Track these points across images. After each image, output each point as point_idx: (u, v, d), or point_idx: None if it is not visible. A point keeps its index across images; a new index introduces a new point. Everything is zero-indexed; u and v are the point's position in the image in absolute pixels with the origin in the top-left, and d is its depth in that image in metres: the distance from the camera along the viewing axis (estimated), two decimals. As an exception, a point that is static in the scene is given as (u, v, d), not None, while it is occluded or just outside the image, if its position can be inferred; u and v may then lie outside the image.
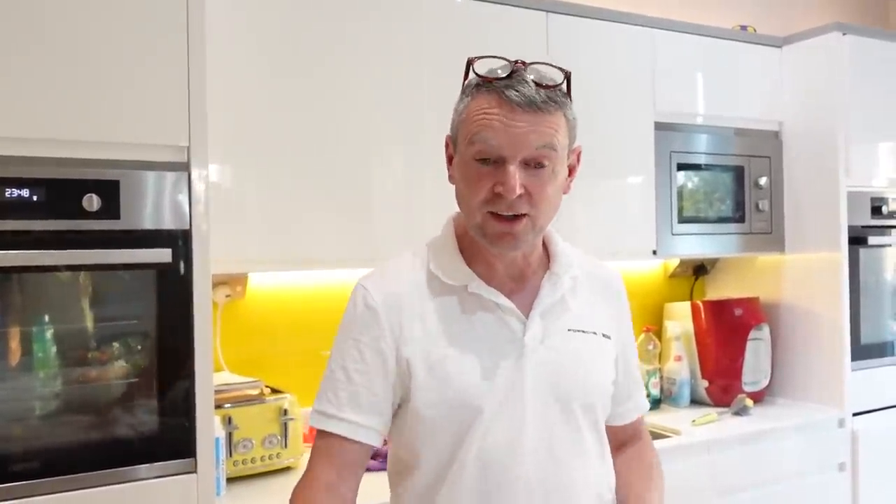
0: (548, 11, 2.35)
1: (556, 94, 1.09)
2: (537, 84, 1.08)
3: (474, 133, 1.09)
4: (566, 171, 1.16)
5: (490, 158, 1.08)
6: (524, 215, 1.09)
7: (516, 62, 1.10)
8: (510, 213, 1.09)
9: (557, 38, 2.36)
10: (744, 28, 2.88)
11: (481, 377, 1.11)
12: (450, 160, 1.19)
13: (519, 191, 1.07)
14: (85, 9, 1.55)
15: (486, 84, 1.10)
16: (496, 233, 1.10)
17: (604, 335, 1.22)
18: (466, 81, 1.14)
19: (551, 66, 1.12)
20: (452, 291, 1.16)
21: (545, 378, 1.14)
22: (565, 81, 1.11)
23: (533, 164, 1.08)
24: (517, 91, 1.06)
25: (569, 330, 1.18)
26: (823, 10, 3.45)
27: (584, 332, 1.20)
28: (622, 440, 1.32)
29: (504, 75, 1.09)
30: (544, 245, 1.24)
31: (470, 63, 1.13)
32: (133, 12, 1.59)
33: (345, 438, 1.13)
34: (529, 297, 1.18)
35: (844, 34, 2.65)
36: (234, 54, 1.91)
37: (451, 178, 1.18)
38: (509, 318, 1.15)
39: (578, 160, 1.20)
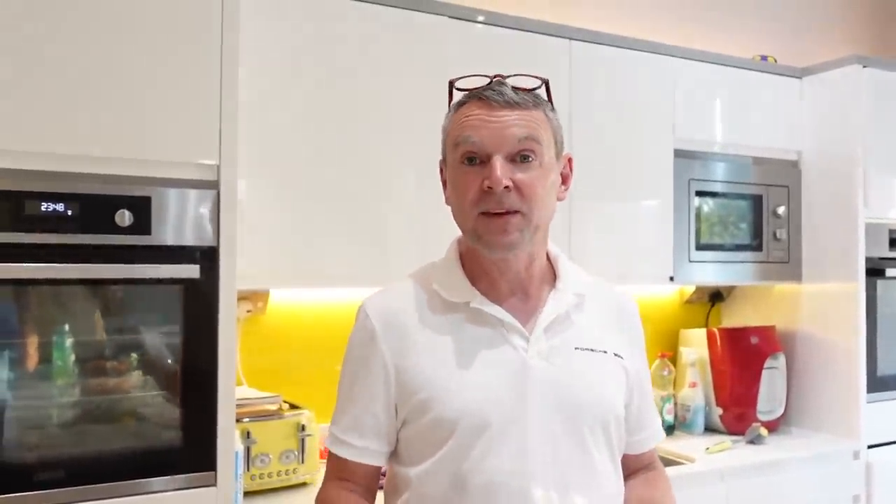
0: (571, 39, 2.39)
1: (533, 96, 1.13)
2: (515, 88, 1.12)
3: (457, 136, 1.12)
4: (558, 176, 1.17)
5: (476, 157, 1.10)
6: (516, 212, 1.09)
7: (495, 76, 1.14)
8: (501, 210, 1.08)
9: (580, 66, 2.40)
10: (764, 58, 2.91)
11: (484, 394, 1.10)
12: (445, 184, 1.20)
13: (506, 182, 1.07)
14: (120, 29, 1.60)
15: (466, 96, 1.14)
16: (489, 231, 1.10)
17: (615, 354, 1.19)
18: (451, 105, 1.18)
19: (531, 76, 1.14)
20: (455, 308, 1.16)
21: (550, 396, 1.12)
22: (543, 87, 1.15)
23: (518, 159, 1.09)
24: (495, 91, 1.11)
25: (576, 348, 1.16)
26: (844, 42, 3.47)
27: (592, 350, 1.17)
28: (634, 469, 1.29)
29: (483, 84, 1.13)
30: (551, 264, 1.23)
31: (452, 84, 1.17)
32: (168, 33, 1.63)
33: (348, 460, 1.18)
34: (533, 313, 1.16)
35: (864, 66, 2.67)
36: (263, 75, 1.95)
37: (447, 201, 1.20)
38: (512, 334, 1.14)
39: (571, 168, 1.20)
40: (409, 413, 1.14)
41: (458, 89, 1.16)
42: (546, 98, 1.16)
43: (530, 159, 1.10)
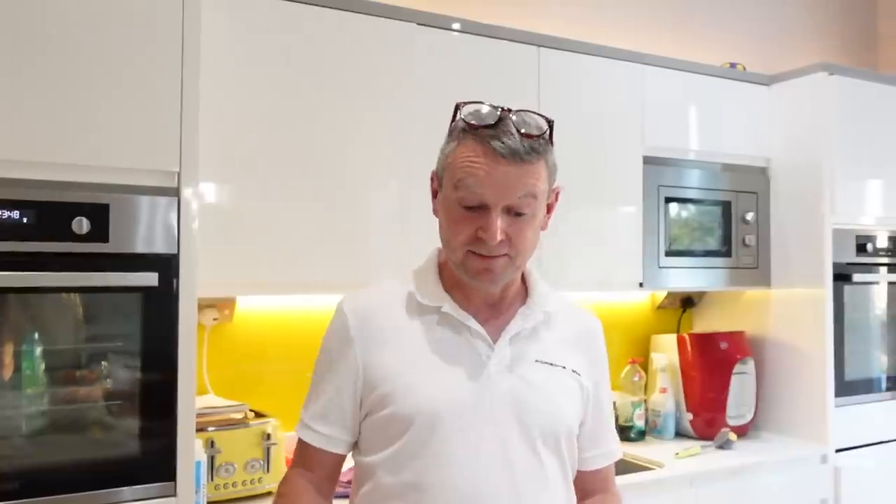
0: (539, 46, 2.39)
1: (539, 143, 1.14)
2: (522, 134, 1.12)
3: (459, 179, 1.14)
4: (545, 211, 1.22)
5: (474, 206, 1.13)
6: (504, 255, 1.15)
7: (502, 109, 1.14)
8: (490, 255, 1.14)
9: (549, 73, 2.40)
10: (733, 66, 2.93)
11: (440, 394, 1.15)
12: (434, 194, 1.24)
13: (500, 237, 1.12)
14: (78, 33, 1.58)
15: (472, 131, 1.14)
16: (476, 269, 1.16)
17: (573, 371, 1.24)
18: (453, 124, 1.19)
19: (536, 114, 1.16)
20: (427, 311, 1.21)
21: (507, 403, 1.17)
22: (548, 130, 1.16)
23: (514, 212, 1.14)
24: (502, 142, 1.11)
25: (536, 361, 1.21)
26: (813, 50, 3.51)
27: (551, 364, 1.22)
28: (589, 489, 1.31)
29: (491, 122, 1.13)
30: (523, 280, 1.29)
31: (458, 107, 1.18)
32: (127, 38, 1.62)
33: (312, 446, 1.23)
34: (502, 325, 1.22)
35: (831, 74, 2.70)
36: (228, 79, 1.94)
37: (435, 212, 1.24)
38: (477, 341, 1.19)
39: (556, 199, 1.24)
40: (371, 406, 1.19)
41: (465, 121, 1.15)
42: (549, 137, 1.17)
43: (525, 213, 1.14)
